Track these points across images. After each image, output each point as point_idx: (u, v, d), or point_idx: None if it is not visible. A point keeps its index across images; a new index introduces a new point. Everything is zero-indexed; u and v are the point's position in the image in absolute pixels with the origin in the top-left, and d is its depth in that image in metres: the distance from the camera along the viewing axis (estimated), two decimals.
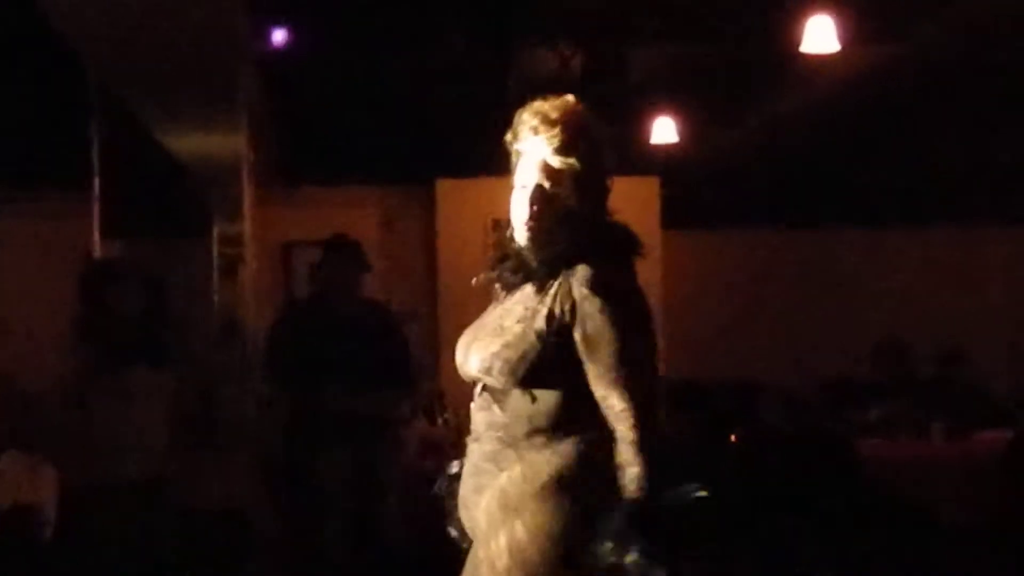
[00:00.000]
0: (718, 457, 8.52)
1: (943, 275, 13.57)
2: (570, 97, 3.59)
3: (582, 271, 3.48)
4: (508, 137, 3.59)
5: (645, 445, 3.47)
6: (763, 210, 12.62)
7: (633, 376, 3.45)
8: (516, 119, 3.57)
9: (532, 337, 3.50)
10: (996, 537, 8.02)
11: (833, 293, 13.31)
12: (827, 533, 7.97)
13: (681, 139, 9.27)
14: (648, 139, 9.35)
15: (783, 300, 13.31)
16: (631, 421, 3.45)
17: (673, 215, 11.51)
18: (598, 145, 3.64)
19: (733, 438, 8.50)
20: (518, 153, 3.58)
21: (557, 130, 3.51)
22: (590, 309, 3.45)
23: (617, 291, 3.49)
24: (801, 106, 9.53)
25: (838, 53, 7.30)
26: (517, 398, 3.55)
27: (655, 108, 9.09)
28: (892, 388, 9.77)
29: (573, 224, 3.57)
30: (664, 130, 9.10)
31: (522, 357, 3.51)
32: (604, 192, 3.71)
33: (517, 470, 3.51)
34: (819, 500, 7.92)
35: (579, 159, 3.55)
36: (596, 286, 3.46)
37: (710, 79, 8.78)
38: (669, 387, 11.27)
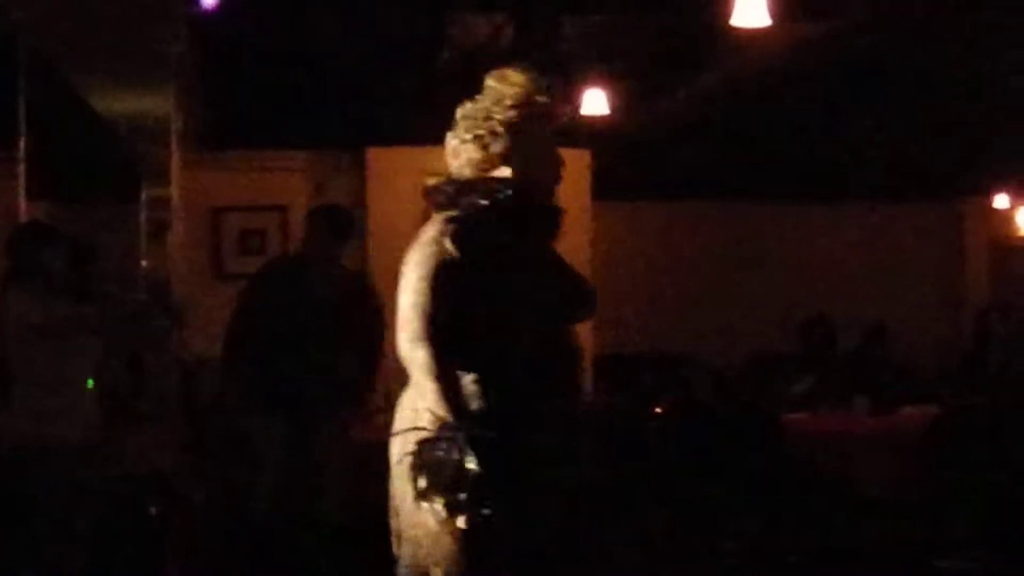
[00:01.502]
0: (643, 429, 8.56)
1: (870, 251, 13.69)
2: None
3: None
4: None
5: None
6: (694, 183, 12.65)
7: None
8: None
9: None
10: (915, 511, 8.12)
11: (761, 267, 13.39)
12: (750, 504, 8.05)
13: (612, 111, 9.25)
14: (581, 110, 9.33)
15: (712, 273, 13.37)
16: None
17: (604, 187, 11.51)
18: None
19: (658, 410, 8.53)
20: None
21: None
22: None
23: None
24: (731, 80, 9.54)
25: (768, 28, 7.31)
26: None
27: (586, 80, 9.06)
28: (817, 362, 9.86)
29: None
30: (595, 102, 9.07)
31: None
32: None
33: None
34: (742, 472, 7.99)
35: None
36: None
37: (641, 51, 8.76)
38: (597, 360, 11.31)
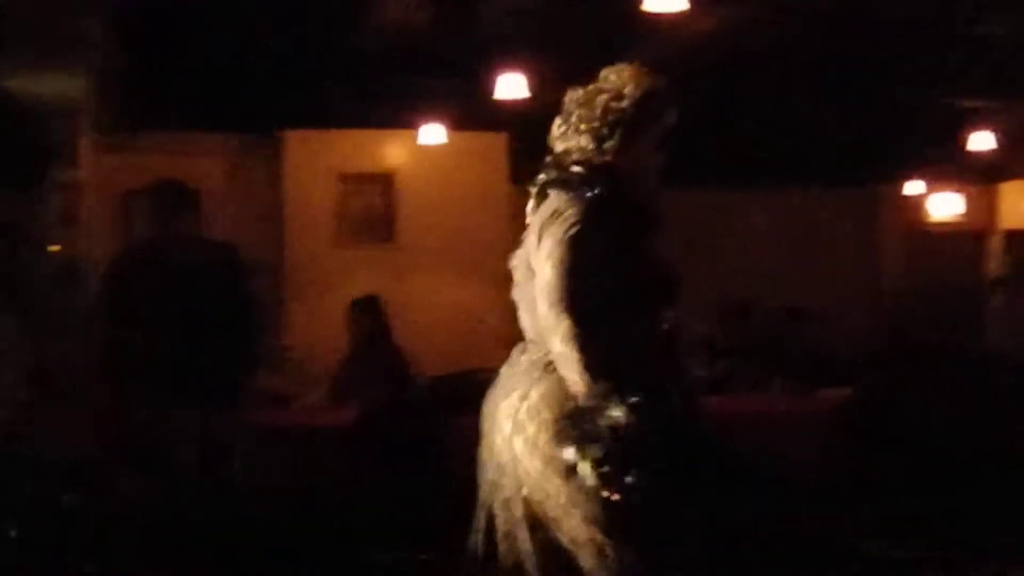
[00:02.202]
0: None
1: (786, 236, 13.77)
2: None
3: None
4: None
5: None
6: None
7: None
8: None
9: None
10: (832, 493, 8.16)
11: (680, 252, 13.37)
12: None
13: (532, 94, 9.22)
14: (498, 95, 9.30)
15: None
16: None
17: (523, 171, 11.48)
18: None
19: None
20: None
21: None
22: None
23: None
24: (653, 65, 9.54)
25: (687, 12, 7.32)
26: None
27: (504, 62, 9.03)
28: (735, 346, 9.90)
29: None
30: (513, 85, 9.04)
31: None
32: None
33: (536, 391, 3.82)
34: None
35: None
36: None
37: (562, 33, 8.74)
38: (515, 344, 11.29)
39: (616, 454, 3.55)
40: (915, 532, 8.24)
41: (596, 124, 4.08)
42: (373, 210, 11.43)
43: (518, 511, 3.88)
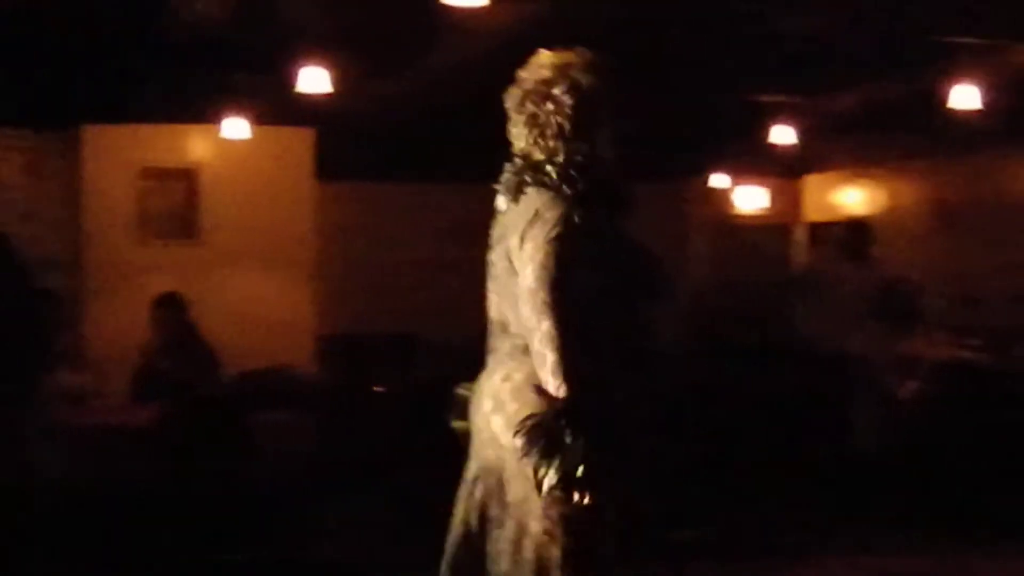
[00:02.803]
0: (365, 408, 8.52)
1: None
2: None
3: None
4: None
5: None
6: (421, 164, 12.63)
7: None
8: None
9: None
10: (647, 482, 8.22)
11: (479, 247, 13.45)
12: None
13: (337, 90, 9.15)
14: (300, 89, 9.21)
15: (440, 253, 13.39)
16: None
17: (330, 167, 11.42)
18: None
19: (379, 389, 8.50)
20: None
21: None
22: None
23: None
24: (459, 60, 9.54)
25: (488, 7, 7.32)
26: None
27: (308, 57, 8.95)
28: None
29: None
30: (317, 80, 8.97)
31: None
32: None
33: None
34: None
35: None
36: None
37: (364, 28, 8.69)
38: (324, 339, 11.23)
39: (580, 474, 3.61)
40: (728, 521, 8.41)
41: (556, 119, 4.03)
42: (176, 206, 11.26)
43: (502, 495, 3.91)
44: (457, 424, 4.18)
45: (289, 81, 9.16)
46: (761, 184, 14.99)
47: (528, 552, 3.83)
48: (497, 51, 9.06)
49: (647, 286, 4.08)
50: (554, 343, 3.69)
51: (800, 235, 15.21)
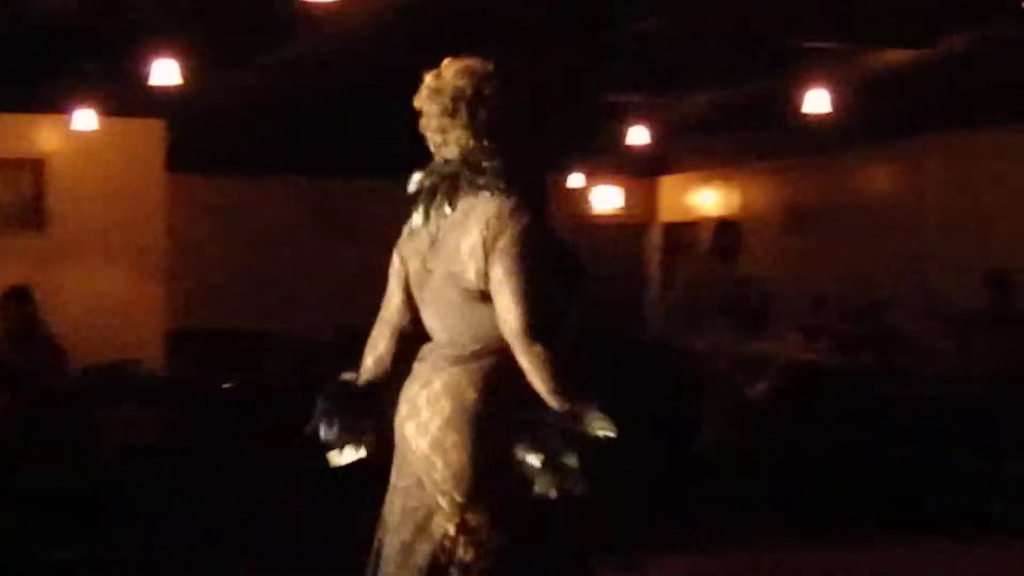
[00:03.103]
0: (215, 404, 8.44)
1: None
2: None
3: None
4: None
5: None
6: (275, 156, 12.55)
7: None
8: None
9: None
10: None
11: (347, 242, 13.40)
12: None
13: (188, 81, 9.06)
14: (150, 80, 9.11)
15: (295, 247, 13.32)
16: None
17: (182, 159, 11.30)
18: None
19: (228, 385, 8.42)
20: None
21: None
22: None
23: None
24: (313, 53, 9.50)
25: (340, 1, 7.31)
26: None
27: (158, 48, 8.84)
28: None
29: None
30: (167, 71, 8.87)
31: None
32: None
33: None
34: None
35: None
36: None
37: (213, 20, 8.61)
38: (173, 334, 11.10)
39: (587, 463, 3.61)
40: None
41: (491, 122, 3.97)
42: (23, 197, 11.09)
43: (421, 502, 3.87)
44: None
45: (139, 72, 9.05)
46: (616, 184, 15.10)
47: (420, 558, 3.83)
48: (347, 44, 9.07)
49: (575, 281, 4.07)
50: (550, 365, 3.66)
51: (655, 235, 15.34)
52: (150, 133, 11.08)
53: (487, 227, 3.80)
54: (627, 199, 15.23)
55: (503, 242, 3.77)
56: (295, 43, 9.23)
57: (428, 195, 4.02)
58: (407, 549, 3.85)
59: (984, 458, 8.98)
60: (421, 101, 4.11)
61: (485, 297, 3.81)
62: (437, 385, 3.82)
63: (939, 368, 9.86)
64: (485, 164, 3.92)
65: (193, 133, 11.10)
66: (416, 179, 4.07)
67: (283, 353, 11.70)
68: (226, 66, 9.67)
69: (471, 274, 3.81)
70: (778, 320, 10.27)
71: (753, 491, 8.83)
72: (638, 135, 12.24)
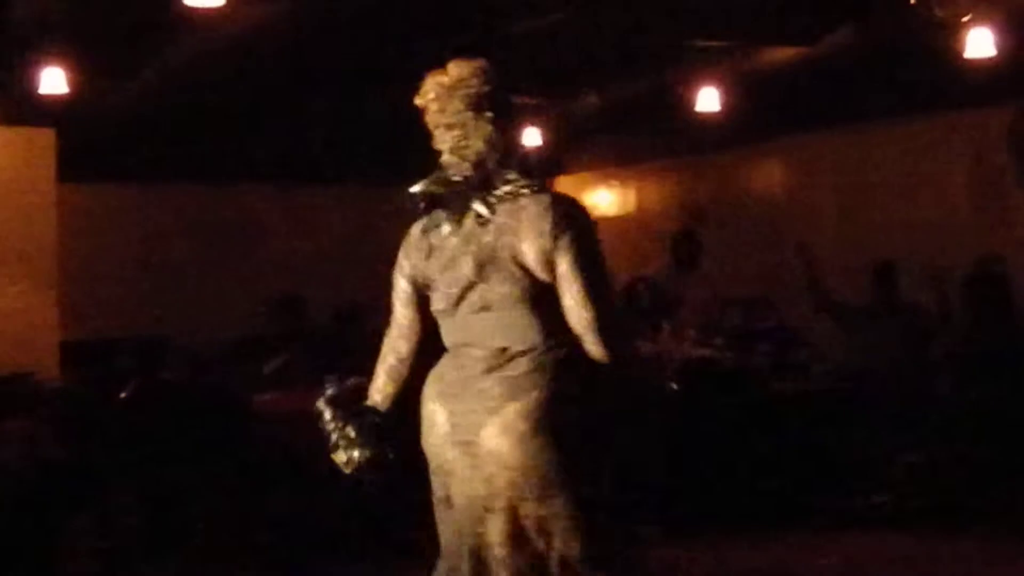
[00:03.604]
0: (110, 414, 8.38)
1: (347, 233, 13.88)
2: None
3: None
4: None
5: None
6: (167, 164, 12.46)
7: None
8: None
9: None
10: (379, 483, 8.25)
11: (241, 250, 13.35)
12: (220, 484, 8.00)
13: (75, 89, 8.98)
14: (39, 89, 9.02)
15: (189, 256, 13.24)
16: None
17: (72, 168, 11.18)
18: None
19: (124, 395, 8.37)
20: None
21: None
22: None
23: None
24: (203, 59, 9.45)
25: (225, 7, 7.28)
26: None
27: (45, 56, 8.76)
28: (291, 342, 9.90)
29: None
30: (56, 79, 8.79)
31: None
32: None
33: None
34: (211, 454, 7.93)
35: None
36: None
37: (99, 28, 8.55)
38: (68, 345, 10.98)
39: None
40: None
41: (505, 120, 4.13)
42: None
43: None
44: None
45: (27, 80, 8.96)
46: None
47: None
48: (235, 50, 9.04)
49: None
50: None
51: None
52: (40, 142, 10.94)
53: (551, 224, 3.89)
54: None
55: (568, 237, 3.88)
56: (181, 50, 9.18)
57: (458, 203, 4.09)
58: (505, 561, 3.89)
59: (873, 449, 9.09)
60: (434, 98, 4.16)
61: (547, 294, 3.90)
62: (506, 387, 3.88)
63: (831, 362, 9.96)
64: (512, 164, 4.05)
65: (83, 142, 10.99)
66: (426, 188, 4.20)
67: (179, 361, 11.62)
68: (114, 74, 9.60)
69: (537, 273, 3.91)
70: (675, 318, 10.33)
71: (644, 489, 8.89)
72: (532, 136, 12.28)
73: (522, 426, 3.83)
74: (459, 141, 4.09)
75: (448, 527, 4.04)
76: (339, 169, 13.11)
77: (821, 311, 9.91)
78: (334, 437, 4.19)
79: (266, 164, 12.68)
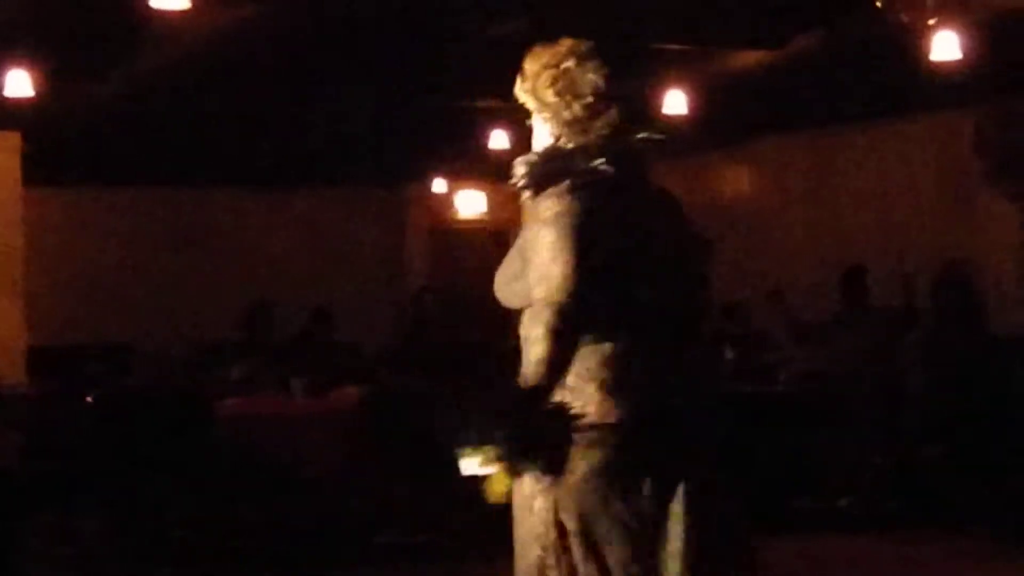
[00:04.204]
0: (75, 419, 8.34)
1: (315, 236, 13.86)
2: None
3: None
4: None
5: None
6: (134, 168, 12.41)
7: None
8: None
9: None
10: (352, 488, 8.27)
11: (208, 254, 13.31)
12: (188, 490, 7.97)
13: (41, 93, 8.92)
14: (3, 91, 8.95)
15: (154, 261, 13.19)
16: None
17: (37, 172, 11.13)
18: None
19: (90, 400, 8.33)
20: None
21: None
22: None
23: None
24: (166, 64, 9.41)
25: (191, 11, 7.24)
26: None
27: (10, 58, 8.70)
28: (258, 347, 9.88)
29: None
30: (19, 83, 8.73)
31: None
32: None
33: None
34: (177, 458, 7.90)
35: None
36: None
37: (69, 32, 8.49)
38: (34, 351, 10.94)
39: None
40: (423, 521, 8.47)
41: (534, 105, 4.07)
42: None
43: None
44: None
45: None
46: (480, 189, 15.12)
47: None
48: (202, 54, 9.00)
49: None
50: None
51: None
52: (5, 145, 10.89)
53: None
54: (491, 204, 15.26)
55: None
56: (148, 54, 9.14)
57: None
58: None
59: (840, 452, 9.10)
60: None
61: None
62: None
63: (797, 365, 9.97)
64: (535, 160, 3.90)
65: (49, 145, 10.93)
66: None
67: (146, 366, 11.57)
68: (80, 77, 9.54)
69: None
70: None
71: None
72: (500, 139, 12.27)
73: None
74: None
75: None
76: (309, 173, 13.07)
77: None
78: None
79: (234, 168, 12.63)
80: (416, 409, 8.47)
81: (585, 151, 3.79)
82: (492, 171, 14.53)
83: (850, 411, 9.17)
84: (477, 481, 3.57)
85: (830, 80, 10.00)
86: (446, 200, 14.91)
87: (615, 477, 3.56)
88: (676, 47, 9.79)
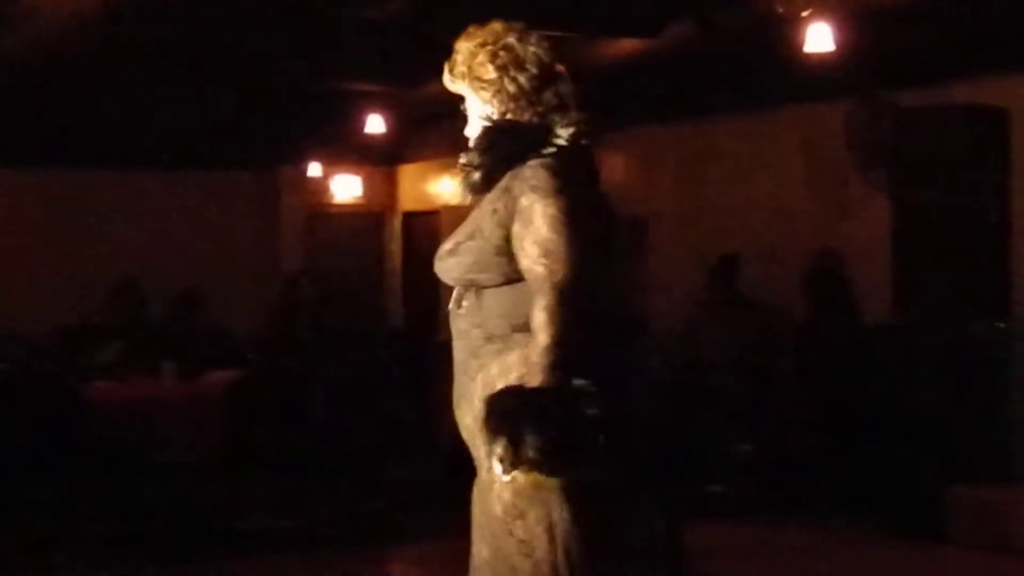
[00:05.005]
0: None
1: (186, 218, 13.73)
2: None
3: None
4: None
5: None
6: (6, 148, 12.20)
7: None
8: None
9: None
10: (218, 474, 8.21)
11: (78, 238, 13.14)
12: (51, 474, 7.85)
13: None
14: None
15: (19, 243, 12.99)
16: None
17: None
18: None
19: None
20: None
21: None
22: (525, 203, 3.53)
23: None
24: (36, 44, 9.26)
25: None
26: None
27: None
28: (126, 330, 9.76)
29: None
30: None
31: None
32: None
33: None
34: (41, 443, 7.79)
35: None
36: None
37: None
38: None
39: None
40: (295, 506, 8.45)
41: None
42: None
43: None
44: None
45: None
46: (355, 174, 15.07)
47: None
48: (71, 34, 8.86)
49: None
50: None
51: (395, 224, 15.35)
52: None
53: None
54: (366, 188, 15.21)
55: None
56: (15, 34, 8.99)
57: None
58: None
59: (709, 440, 9.18)
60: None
61: None
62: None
63: (667, 353, 10.03)
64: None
65: None
66: None
67: (12, 348, 11.40)
68: None
69: None
70: None
71: None
72: (375, 124, 12.24)
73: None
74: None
75: None
76: (177, 154, 12.93)
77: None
78: None
79: (102, 149, 12.46)
80: (287, 393, 8.44)
81: (544, 124, 3.74)
82: (368, 155, 14.54)
83: (719, 398, 9.25)
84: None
85: (703, 70, 10.06)
86: (322, 184, 14.83)
87: None
88: (551, 34, 9.79)
